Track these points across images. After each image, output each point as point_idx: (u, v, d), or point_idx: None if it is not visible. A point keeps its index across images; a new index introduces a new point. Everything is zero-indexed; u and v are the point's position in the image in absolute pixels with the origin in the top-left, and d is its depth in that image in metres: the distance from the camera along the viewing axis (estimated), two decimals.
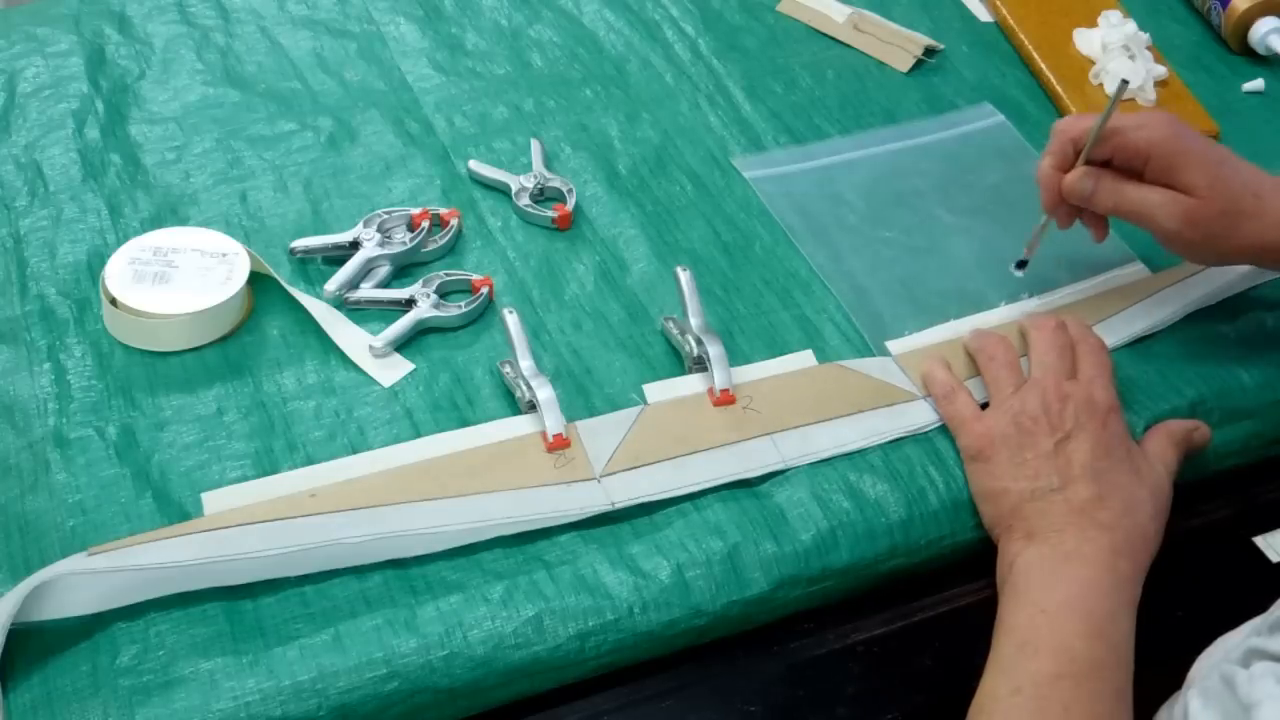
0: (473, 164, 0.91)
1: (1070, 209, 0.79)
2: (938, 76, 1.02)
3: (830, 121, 0.97)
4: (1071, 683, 0.62)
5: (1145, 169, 0.75)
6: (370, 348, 0.78)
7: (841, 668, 0.68)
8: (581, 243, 0.87)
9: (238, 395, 0.75)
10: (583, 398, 0.77)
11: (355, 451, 0.73)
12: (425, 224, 0.85)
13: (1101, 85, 1.00)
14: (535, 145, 0.92)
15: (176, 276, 0.79)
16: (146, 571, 0.64)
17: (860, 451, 0.74)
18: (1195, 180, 0.73)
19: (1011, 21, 1.06)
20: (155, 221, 0.85)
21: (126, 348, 0.77)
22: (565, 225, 0.87)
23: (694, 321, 0.78)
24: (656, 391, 0.77)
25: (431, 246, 0.84)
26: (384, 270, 0.83)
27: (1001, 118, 0.98)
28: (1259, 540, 0.75)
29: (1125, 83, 0.75)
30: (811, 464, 0.73)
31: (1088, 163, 0.77)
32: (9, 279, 0.81)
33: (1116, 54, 1.00)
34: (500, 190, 0.90)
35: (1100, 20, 1.03)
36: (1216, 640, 0.56)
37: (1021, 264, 0.83)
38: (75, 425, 0.73)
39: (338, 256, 0.83)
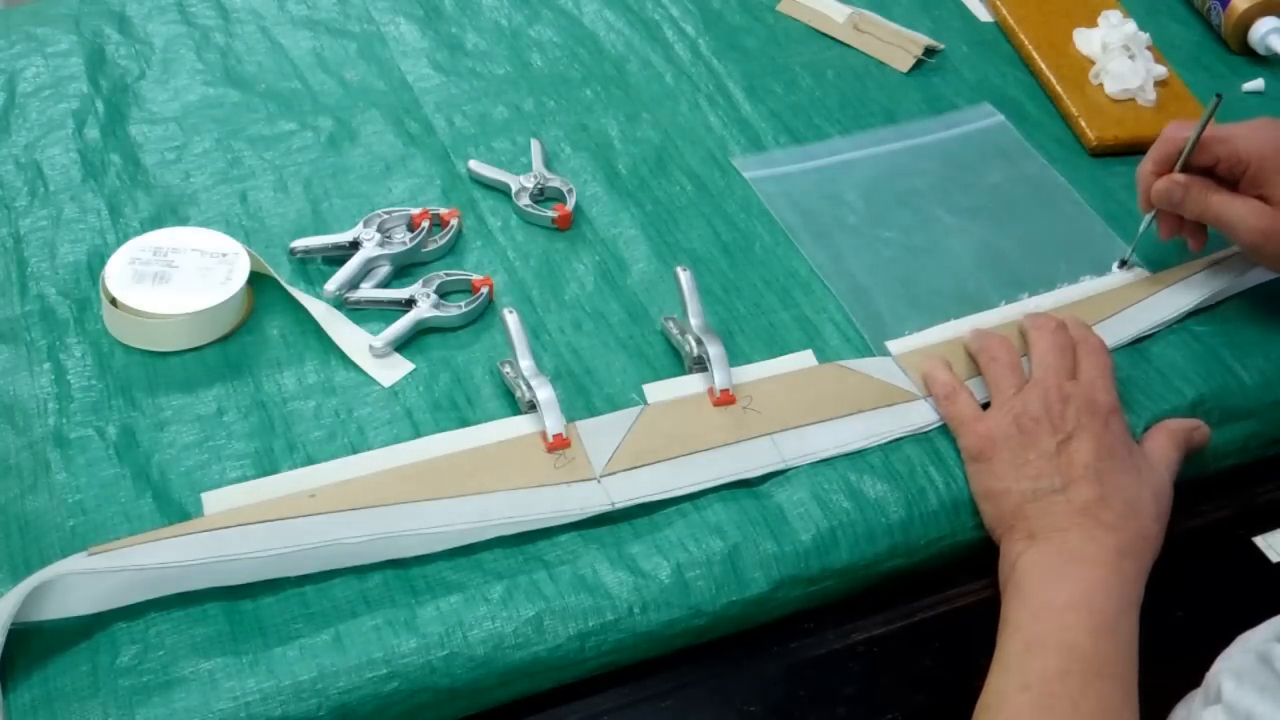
0: (473, 164, 0.91)
1: (1172, 219, 0.82)
2: (938, 76, 1.02)
3: (830, 121, 0.97)
4: (1080, 679, 0.62)
5: (1242, 177, 0.77)
6: (370, 348, 0.78)
7: (841, 668, 0.68)
8: (581, 243, 0.87)
9: (238, 395, 0.75)
10: (583, 398, 0.76)
11: (355, 451, 0.73)
12: (425, 224, 0.85)
13: (1102, 85, 1.00)
14: (535, 145, 0.92)
15: (176, 276, 0.79)
16: (146, 571, 0.64)
17: (860, 451, 0.74)
18: None
19: (1011, 21, 1.06)
20: (155, 221, 0.85)
21: (126, 348, 0.77)
22: (565, 225, 0.87)
23: (694, 321, 0.78)
24: (656, 391, 0.77)
25: (431, 246, 0.84)
26: (384, 270, 0.83)
27: (1001, 118, 0.98)
28: (1259, 540, 0.75)
29: (1219, 96, 0.76)
30: (811, 464, 0.73)
31: (1185, 168, 0.79)
32: (9, 279, 0.81)
33: (1116, 54, 1.00)
34: (500, 190, 0.90)
35: (1100, 20, 1.03)
36: (1236, 639, 0.56)
37: (1123, 263, 0.85)
38: (75, 425, 0.73)
39: (338, 256, 0.83)
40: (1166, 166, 0.80)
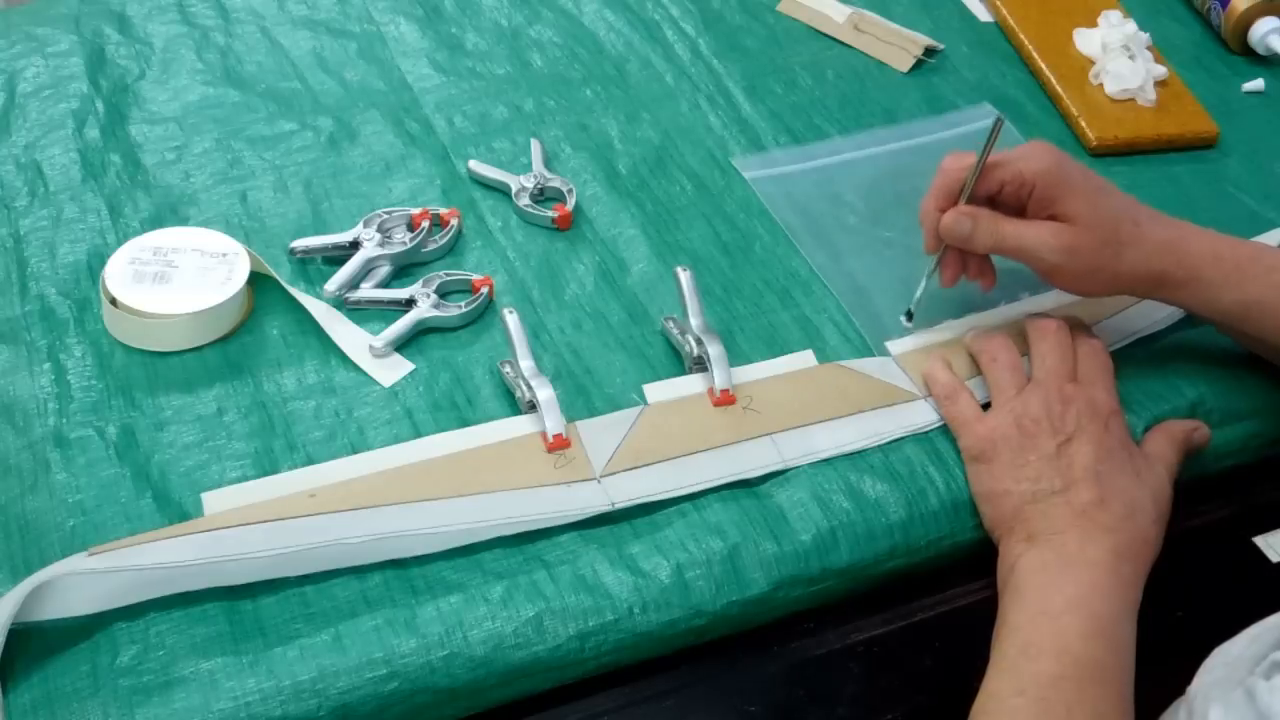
0: (473, 164, 0.91)
1: (955, 262, 0.78)
2: (938, 76, 1.02)
3: (830, 121, 0.97)
4: (1074, 684, 0.62)
5: (1029, 200, 0.74)
6: (370, 348, 0.78)
7: (841, 668, 0.68)
8: (581, 243, 0.87)
9: (238, 395, 0.75)
10: (583, 398, 0.76)
11: (355, 451, 0.73)
12: (425, 224, 0.85)
13: (1102, 85, 1.00)
14: (535, 145, 0.92)
15: (176, 276, 0.79)
16: (146, 571, 0.64)
17: (860, 451, 0.74)
18: (1077, 209, 0.72)
19: (1011, 21, 1.07)
20: (155, 221, 0.85)
21: (126, 348, 0.77)
22: (565, 225, 0.87)
23: (694, 321, 0.78)
24: (656, 391, 0.77)
25: (431, 246, 0.84)
26: (384, 270, 0.83)
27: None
28: (1259, 540, 0.75)
29: (999, 119, 0.73)
30: (811, 464, 0.73)
31: (970, 201, 0.75)
32: (9, 279, 0.81)
33: (1116, 54, 1.00)
34: (500, 190, 0.90)
35: (1100, 20, 1.03)
36: (1215, 651, 0.56)
37: (909, 315, 0.81)
38: (75, 425, 0.73)
39: (338, 256, 0.83)
40: (950, 201, 0.76)
